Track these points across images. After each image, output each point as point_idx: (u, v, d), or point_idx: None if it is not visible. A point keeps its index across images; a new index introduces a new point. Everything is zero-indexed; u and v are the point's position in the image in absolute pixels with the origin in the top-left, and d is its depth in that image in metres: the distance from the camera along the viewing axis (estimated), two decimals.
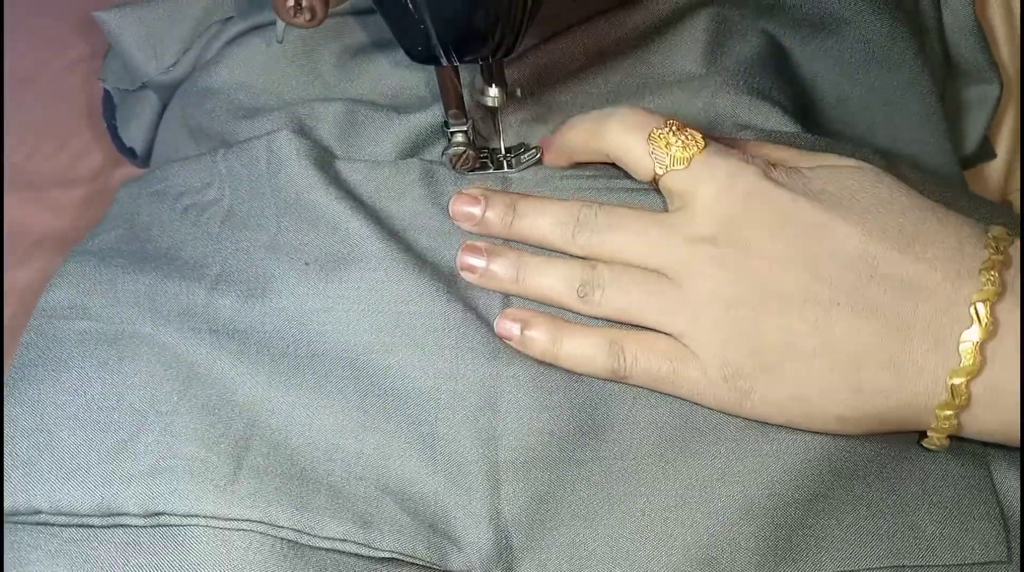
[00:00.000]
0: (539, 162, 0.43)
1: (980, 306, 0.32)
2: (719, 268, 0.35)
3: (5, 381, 0.39)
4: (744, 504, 0.35)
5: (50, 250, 0.55)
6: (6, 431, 0.37)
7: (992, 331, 0.32)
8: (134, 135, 0.56)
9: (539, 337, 0.37)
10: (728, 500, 0.35)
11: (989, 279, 0.33)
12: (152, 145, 0.55)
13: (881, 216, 0.35)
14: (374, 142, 0.44)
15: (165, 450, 0.35)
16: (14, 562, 0.34)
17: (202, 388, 0.37)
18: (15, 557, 0.34)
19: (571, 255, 0.39)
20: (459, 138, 0.42)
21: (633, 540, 0.35)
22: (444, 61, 0.39)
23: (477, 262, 0.39)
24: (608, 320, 0.38)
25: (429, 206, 0.42)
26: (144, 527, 0.35)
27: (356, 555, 0.34)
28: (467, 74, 0.43)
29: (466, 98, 0.42)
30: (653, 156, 0.38)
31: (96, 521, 0.35)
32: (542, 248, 0.40)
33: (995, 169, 0.58)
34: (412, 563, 0.35)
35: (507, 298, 0.40)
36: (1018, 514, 0.35)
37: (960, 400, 0.32)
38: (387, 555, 0.34)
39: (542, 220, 0.39)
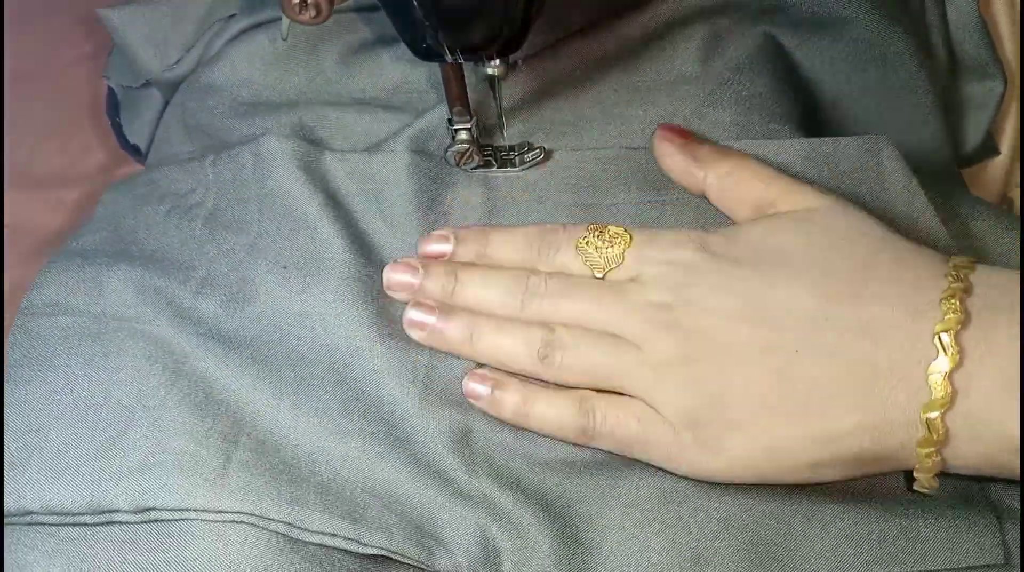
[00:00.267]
0: (542, 162, 0.43)
1: (944, 336, 0.32)
2: (675, 328, 0.35)
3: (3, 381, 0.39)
4: (721, 518, 0.35)
5: (52, 249, 0.55)
6: None
7: (959, 360, 0.32)
8: (138, 132, 0.56)
9: (509, 398, 0.37)
10: (706, 513, 0.35)
11: (950, 308, 0.32)
12: None
13: (829, 262, 0.35)
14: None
15: (154, 445, 0.35)
16: (12, 564, 0.34)
17: (188, 384, 0.37)
18: (13, 559, 0.34)
19: None
20: (463, 135, 0.42)
21: (614, 549, 0.35)
22: (448, 58, 0.39)
23: (427, 319, 0.38)
24: (569, 385, 0.37)
25: (412, 202, 0.42)
26: (139, 524, 0.34)
27: (346, 551, 0.34)
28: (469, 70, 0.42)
29: (470, 95, 0.42)
30: (588, 265, 0.38)
31: (88, 519, 0.35)
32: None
33: (998, 166, 0.58)
34: (401, 562, 0.35)
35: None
36: (1012, 517, 0.35)
37: (938, 435, 0.32)
38: (376, 551, 0.34)
39: (488, 290, 0.38)
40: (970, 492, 0.35)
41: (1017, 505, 0.35)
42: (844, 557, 0.34)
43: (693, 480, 0.36)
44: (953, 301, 0.32)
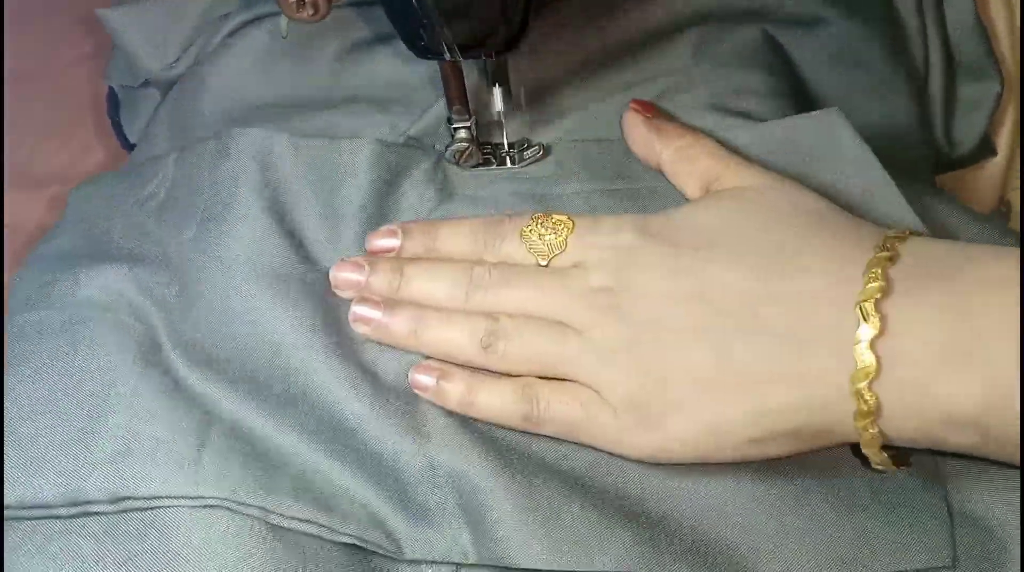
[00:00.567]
0: (541, 158, 0.43)
1: (866, 305, 0.31)
2: (617, 313, 0.35)
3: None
4: (668, 515, 0.35)
5: None
6: None
7: (882, 329, 0.31)
8: (138, 132, 0.56)
9: (454, 388, 0.37)
10: (654, 512, 0.35)
11: (871, 276, 0.32)
12: None
13: (766, 239, 0.35)
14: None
15: (127, 433, 0.35)
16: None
17: (159, 373, 0.37)
18: None
19: None
20: (462, 134, 0.42)
21: (569, 551, 0.34)
22: (447, 56, 0.39)
23: (372, 314, 0.38)
24: (516, 374, 0.37)
25: (367, 195, 0.41)
26: (117, 515, 0.34)
27: (320, 537, 0.34)
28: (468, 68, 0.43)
29: (468, 94, 0.42)
30: (533, 253, 0.38)
31: (63, 512, 0.35)
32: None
33: (995, 166, 0.58)
34: (374, 551, 0.35)
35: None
36: (967, 522, 0.35)
37: (868, 406, 0.31)
38: (349, 540, 0.34)
39: (433, 284, 0.39)
40: (925, 492, 0.35)
41: (978, 510, 0.35)
42: (794, 558, 0.34)
43: (641, 473, 0.36)
44: (875, 270, 0.32)
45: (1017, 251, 0.31)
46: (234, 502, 0.34)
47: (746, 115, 0.44)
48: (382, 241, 0.40)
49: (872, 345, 0.31)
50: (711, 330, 0.34)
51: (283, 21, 0.40)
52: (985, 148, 0.56)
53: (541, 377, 0.37)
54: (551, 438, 0.37)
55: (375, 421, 0.36)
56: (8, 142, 0.55)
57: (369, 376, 0.38)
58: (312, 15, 0.38)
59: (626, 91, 0.45)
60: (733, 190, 0.38)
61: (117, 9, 0.51)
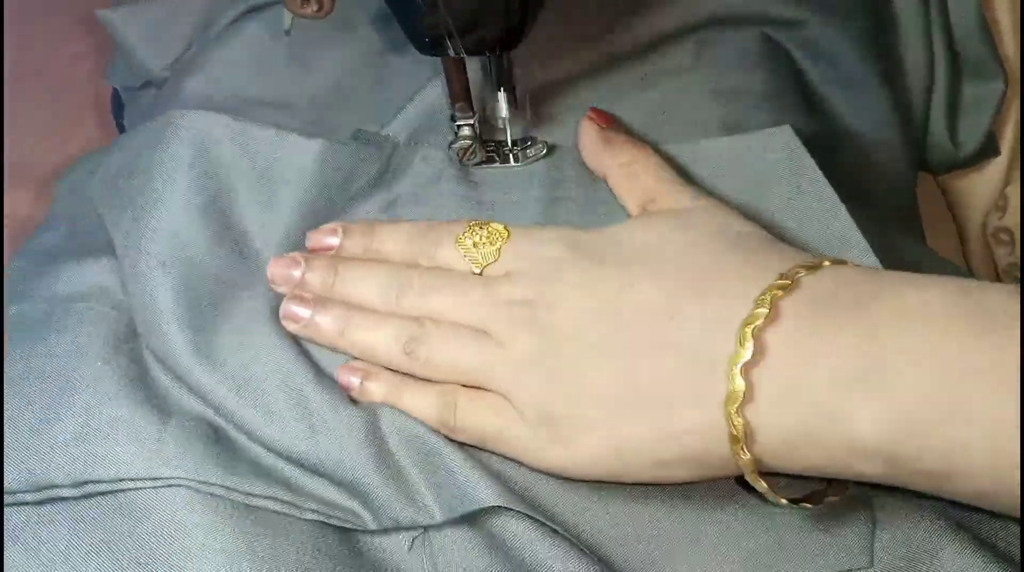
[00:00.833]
0: (545, 156, 0.43)
1: (745, 330, 0.31)
2: (535, 327, 0.35)
3: None
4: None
5: None
6: None
7: (759, 355, 0.31)
8: None
9: (377, 390, 0.37)
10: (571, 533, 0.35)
11: (760, 302, 0.32)
12: None
13: (688, 260, 0.35)
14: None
15: (89, 414, 0.35)
16: None
17: (127, 360, 0.37)
18: None
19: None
20: (466, 131, 0.42)
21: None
22: (451, 52, 0.39)
23: (302, 311, 0.38)
24: (439, 380, 0.37)
25: (311, 194, 0.41)
26: (86, 499, 0.34)
27: (287, 515, 0.34)
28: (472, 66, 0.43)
29: (472, 91, 0.42)
30: (468, 260, 0.38)
31: (30, 497, 0.35)
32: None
33: (996, 164, 0.58)
34: (338, 526, 0.35)
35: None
36: (889, 526, 0.35)
37: (736, 430, 0.31)
38: (314, 517, 0.34)
39: (365, 284, 0.39)
40: (853, 504, 0.35)
41: (902, 511, 0.35)
42: (708, 567, 0.34)
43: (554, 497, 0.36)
44: (764, 297, 0.32)
45: (943, 281, 0.31)
46: (196, 481, 0.34)
47: (746, 117, 0.44)
48: (322, 239, 0.40)
49: (745, 370, 0.31)
50: (622, 348, 0.34)
51: (286, 16, 0.40)
52: (989, 148, 0.56)
53: (466, 385, 0.37)
54: None
55: (326, 397, 0.36)
56: (9, 140, 0.55)
57: (313, 358, 0.38)
58: (316, 11, 0.38)
59: (628, 92, 0.45)
60: (667, 212, 0.38)
61: (117, 10, 0.51)
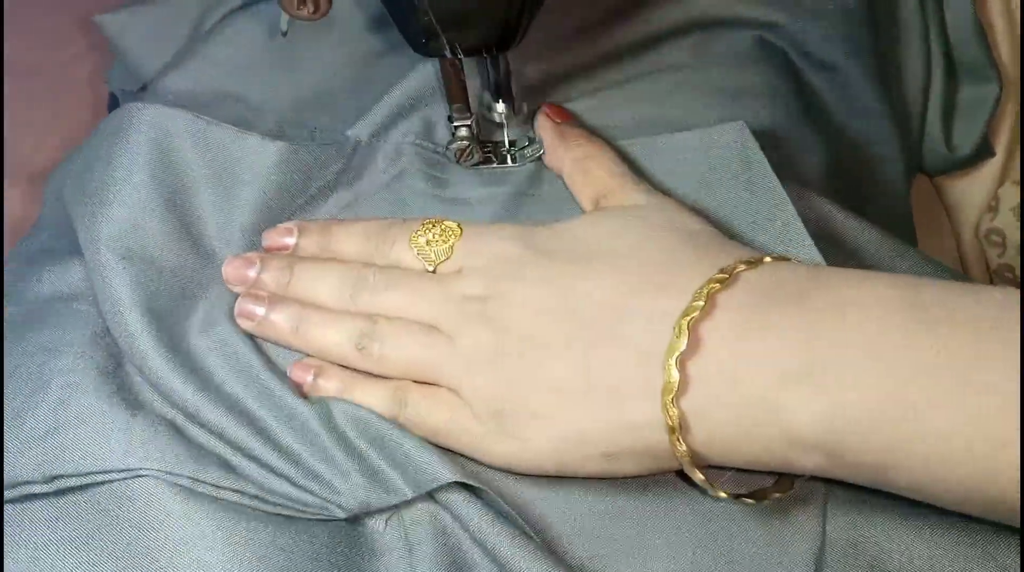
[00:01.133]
0: (542, 157, 0.43)
1: (682, 322, 0.32)
2: (486, 322, 0.36)
3: None
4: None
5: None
6: None
7: (694, 347, 0.32)
8: None
9: (330, 387, 0.37)
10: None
11: (696, 296, 0.32)
12: None
13: (638, 256, 0.36)
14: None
15: (59, 408, 0.35)
16: None
17: (103, 355, 0.38)
18: None
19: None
20: (463, 132, 0.42)
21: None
22: (447, 54, 0.39)
23: (256, 309, 0.39)
24: (393, 377, 0.38)
25: (276, 191, 0.41)
26: (60, 496, 0.34)
27: (255, 508, 0.35)
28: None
29: (469, 92, 0.42)
30: (421, 258, 0.39)
31: (7, 495, 0.35)
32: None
33: (990, 166, 0.58)
34: (303, 517, 0.35)
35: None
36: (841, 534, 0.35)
37: (671, 421, 0.32)
38: (279, 511, 0.35)
39: (320, 283, 0.39)
40: (800, 511, 0.35)
41: (855, 528, 0.35)
42: None
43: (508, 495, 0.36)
44: (701, 290, 0.33)
45: (880, 277, 0.32)
46: (164, 472, 0.34)
47: (742, 115, 0.44)
48: (278, 238, 0.41)
49: (681, 362, 0.32)
50: (573, 342, 0.34)
51: (283, 19, 0.40)
52: (984, 150, 0.57)
53: (418, 381, 0.37)
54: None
55: (287, 391, 0.37)
56: (10, 139, 0.55)
57: (269, 355, 0.38)
58: (312, 13, 0.38)
59: (625, 89, 0.45)
60: (618, 208, 0.39)
61: (115, 14, 0.51)
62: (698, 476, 0.33)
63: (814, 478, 0.34)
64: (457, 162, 0.43)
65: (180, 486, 0.34)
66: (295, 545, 0.34)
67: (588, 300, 0.35)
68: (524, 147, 0.43)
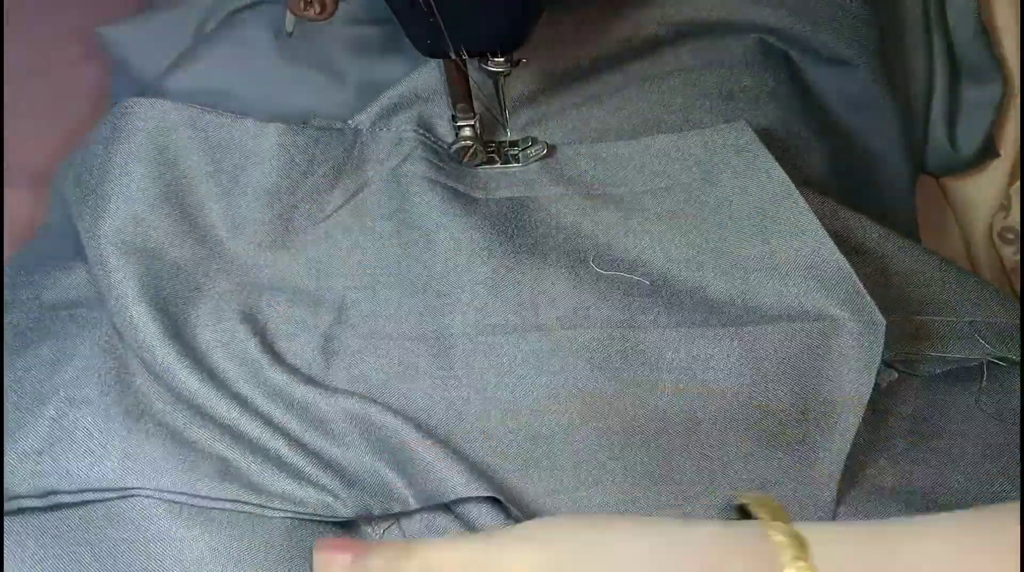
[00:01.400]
0: (546, 156, 0.43)
1: None
2: None
3: None
4: None
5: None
6: None
7: None
8: None
9: None
10: None
11: None
12: None
13: None
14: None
15: (57, 424, 0.35)
16: None
17: (108, 358, 0.37)
18: None
19: None
20: (467, 132, 0.42)
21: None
22: (452, 54, 0.39)
23: None
24: None
25: (279, 176, 0.41)
26: (50, 510, 0.34)
27: (253, 515, 0.34)
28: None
29: (474, 92, 0.42)
30: None
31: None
32: None
33: (998, 167, 0.58)
34: (301, 518, 0.35)
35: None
36: None
37: None
38: (281, 515, 0.34)
39: None
40: None
41: None
42: None
43: None
44: None
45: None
46: (158, 490, 0.34)
47: (743, 115, 0.44)
48: None
49: None
50: None
51: (288, 18, 0.41)
52: (988, 151, 0.56)
53: None
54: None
55: (303, 389, 0.37)
56: (12, 140, 0.55)
57: (271, 349, 0.38)
58: (318, 13, 0.39)
59: (624, 90, 0.45)
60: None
61: (115, 26, 0.52)
62: None
63: None
64: (461, 162, 0.43)
65: (175, 504, 0.34)
66: (288, 557, 0.34)
67: None
68: (527, 147, 0.43)
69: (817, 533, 0.29)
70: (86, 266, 0.40)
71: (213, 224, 0.41)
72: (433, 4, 0.37)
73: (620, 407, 0.37)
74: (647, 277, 0.40)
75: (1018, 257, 0.56)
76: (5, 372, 0.38)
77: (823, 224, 0.40)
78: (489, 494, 0.34)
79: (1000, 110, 0.55)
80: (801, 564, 0.28)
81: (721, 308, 0.39)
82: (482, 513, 0.34)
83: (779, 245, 0.39)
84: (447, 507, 0.35)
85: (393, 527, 0.35)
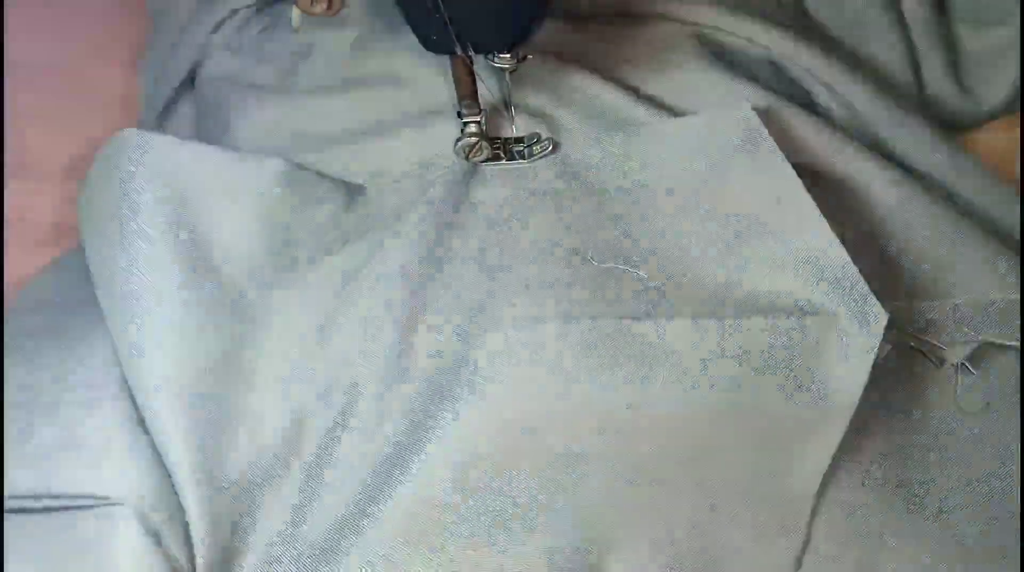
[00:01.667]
0: (551, 153, 0.44)
1: None
2: None
3: None
4: None
5: (62, 241, 0.55)
6: None
7: None
8: None
9: None
10: None
11: None
12: None
13: None
14: None
15: (61, 429, 0.36)
16: None
17: (118, 367, 0.38)
18: None
19: None
20: (472, 128, 0.42)
21: None
22: (459, 51, 0.39)
23: None
24: None
25: (281, 209, 0.41)
26: (44, 513, 0.35)
27: None
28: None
29: (480, 89, 0.42)
30: None
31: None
32: None
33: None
34: None
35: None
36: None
37: None
38: None
39: None
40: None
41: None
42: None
43: None
44: None
45: None
46: (143, 504, 0.35)
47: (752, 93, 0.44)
48: None
49: None
50: None
51: (295, 14, 0.41)
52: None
53: None
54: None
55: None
56: (19, 134, 0.55)
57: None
58: (326, 9, 0.39)
59: (642, 75, 0.46)
60: None
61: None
62: None
63: None
64: (466, 158, 0.43)
65: (150, 530, 0.35)
66: None
67: None
68: (533, 143, 0.44)
69: None
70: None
71: (221, 252, 0.41)
72: (440, 1, 0.37)
73: (612, 398, 0.37)
74: (646, 269, 0.40)
75: None
76: (18, 371, 0.38)
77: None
78: None
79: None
80: None
81: (719, 300, 0.39)
82: None
83: (780, 238, 0.40)
84: None
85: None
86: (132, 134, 0.42)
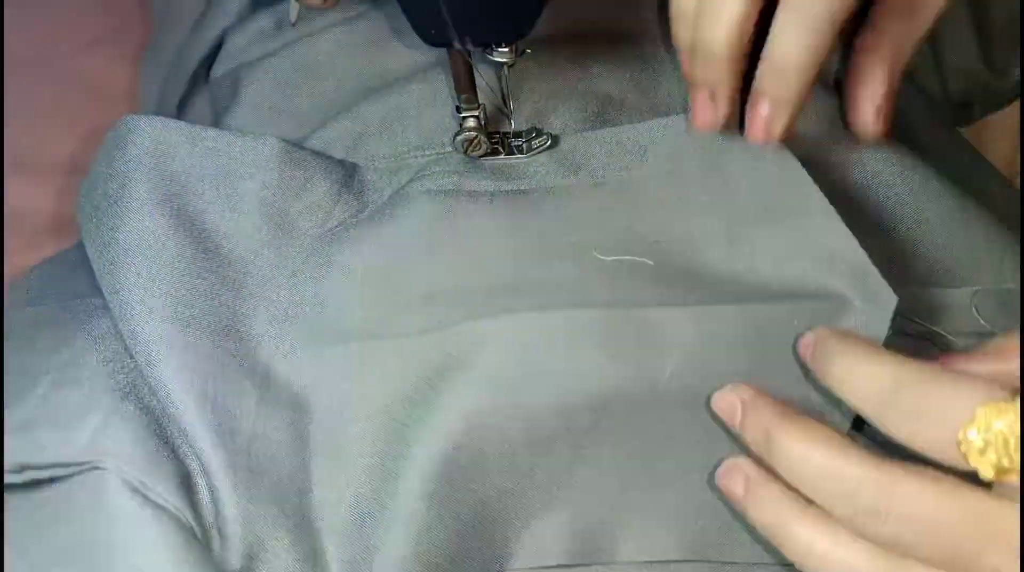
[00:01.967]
0: (550, 148, 0.43)
1: None
2: None
3: None
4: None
5: (58, 236, 0.56)
6: None
7: None
8: None
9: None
10: None
11: None
12: None
13: None
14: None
15: (45, 400, 0.36)
16: None
17: (112, 339, 0.38)
18: None
19: None
20: (471, 123, 0.42)
21: None
22: (457, 44, 0.39)
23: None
24: None
25: (269, 195, 0.41)
26: (30, 487, 0.35)
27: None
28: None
29: (478, 82, 0.42)
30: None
31: None
32: None
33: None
34: None
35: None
36: None
37: None
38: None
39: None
40: None
41: None
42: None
43: None
44: None
45: None
46: (121, 468, 0.34)
47: None
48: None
49: None
50: None
51: (292, 8, 0.41)
52: None
53: None
54: None
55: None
56: (16, 127, 0.56)
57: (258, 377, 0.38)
58: (323, 2, 0.39)
59: (628, 82, 0.45)
60: None
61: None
62: None
63: None
64: (464, 153, 0.43)
65: (134, 487, 0.34)
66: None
67: None
68: (532, 138, 0.43)
69: None
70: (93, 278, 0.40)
71: (217, 233, 0.40)
72: None
73: (622, 386, 0.37)
74: (651, 258, 0.40)
75: None
76: (13, 343, 0.38)
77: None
78: None
79: None
80: None
81: (726, 287, 0.39)
82: None
83: (786, 225, 0.39)
84: None
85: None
86: (125, 118, 0.42)
